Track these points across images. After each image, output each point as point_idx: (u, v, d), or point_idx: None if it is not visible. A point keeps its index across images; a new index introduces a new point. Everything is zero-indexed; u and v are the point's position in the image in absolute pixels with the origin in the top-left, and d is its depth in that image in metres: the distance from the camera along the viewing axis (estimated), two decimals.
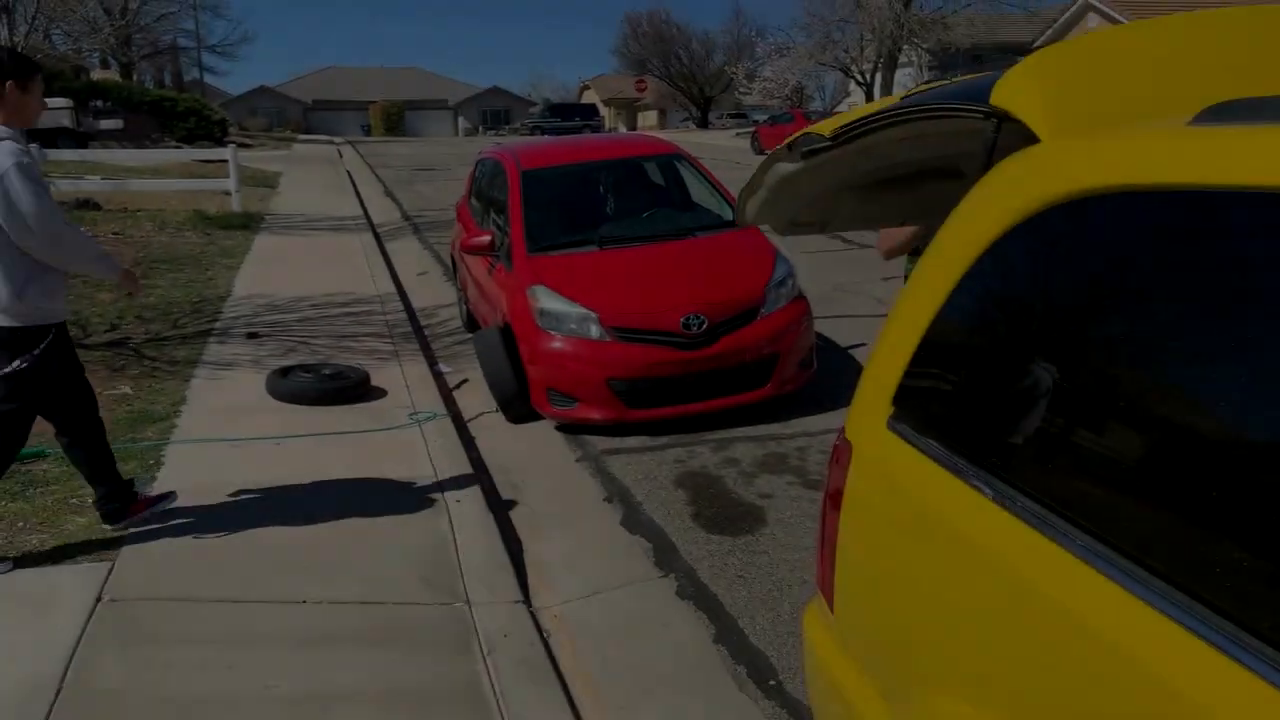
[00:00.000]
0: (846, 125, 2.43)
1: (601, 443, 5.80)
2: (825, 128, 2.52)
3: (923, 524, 1.85)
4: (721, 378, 5.86)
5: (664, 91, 64.19)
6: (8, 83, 3.78)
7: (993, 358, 1.80)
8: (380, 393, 6.62)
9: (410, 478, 5.15)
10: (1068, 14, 38.24)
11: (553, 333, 5.86)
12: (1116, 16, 35.95)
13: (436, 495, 4.93)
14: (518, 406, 6.18)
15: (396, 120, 72.76)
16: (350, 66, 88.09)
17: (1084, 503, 1.54)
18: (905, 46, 40.10)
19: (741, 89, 49.10)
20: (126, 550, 4.21)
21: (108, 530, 4.35)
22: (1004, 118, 1.95)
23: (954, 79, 2.49)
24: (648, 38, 59.70)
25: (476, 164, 8.55)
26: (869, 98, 44.79)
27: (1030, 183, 1.75)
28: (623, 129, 75.64)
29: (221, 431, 5.67)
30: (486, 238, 6.68)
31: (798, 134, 2.67)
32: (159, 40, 50.28)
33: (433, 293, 10.74)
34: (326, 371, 6.54)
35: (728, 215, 6.90)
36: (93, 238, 3.91)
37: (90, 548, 4.21)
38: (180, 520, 4.53)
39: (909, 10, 39.20)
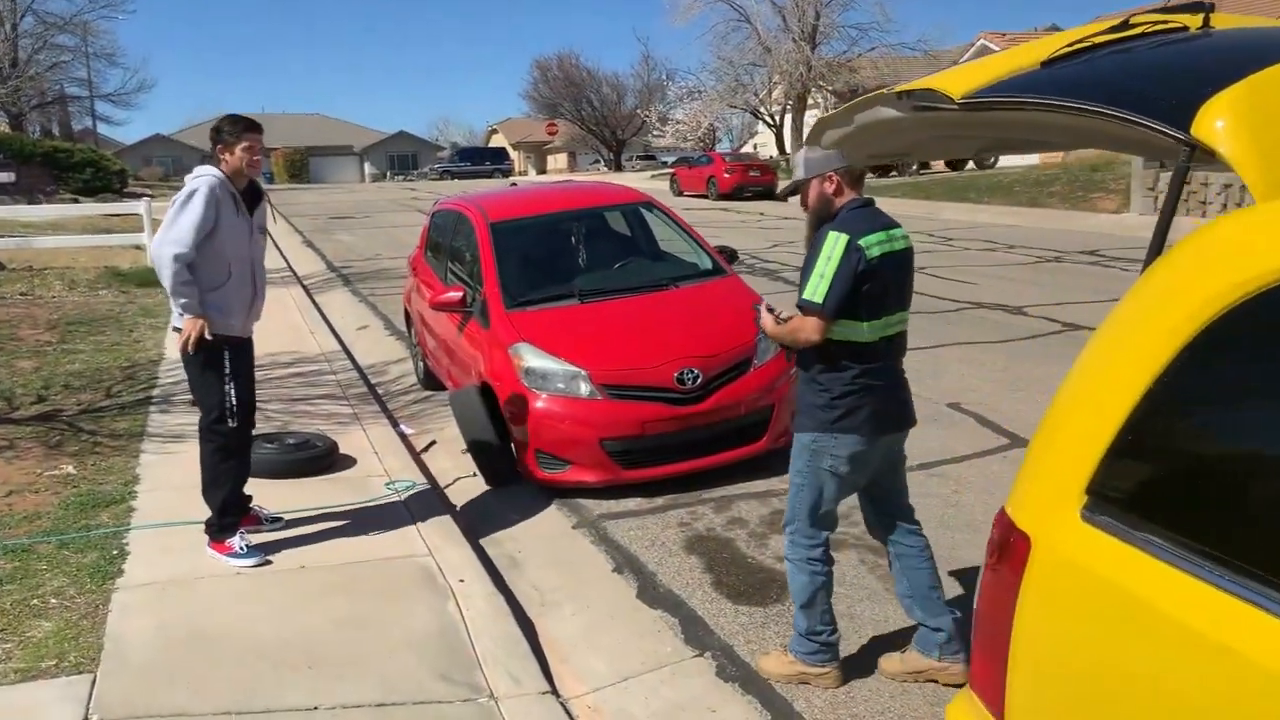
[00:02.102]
0: (983, 98, 2.21)
1: (596, 506, 5.52)
2: (952, 88, 2.25)
3: (1149, 627, 1.65)
4: (717, 433, 5.65)
5: (574, 134, 64.31)
6: (217, 146, 4.56)
7: (1239, 444, 1.62)
8: (349, 461, 6.23)
9: (403, 554, 4.80)
10: (966, 56, 39.58)
11: (540, 392, 5.58)
12: None
13: (435, 573, 4.59)
14: (501, 470, 5.87)
15: (300, 167, 71.56)
16: (250, 113, 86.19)
17: None
18: (813, 89, 40.94)
19: (655, 132, 49.41)
20: (106, 659, 3.77)
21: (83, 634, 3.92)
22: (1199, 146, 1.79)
23: (1101, 38, 2.21)
24: (558, 82, 59.74)
25: (431, 216, 8.23)
26: (778, 138, 45.62)
27: (1269, 251, 1.58)
28: (532, 173, 75.62)
29: (186, 513, 5.21)
30: (457, 294, 6.37)
31: (915, 86, 2.43)
32: (48, 90, 48.41)
33: (377, 348, 10.33)
34: (291, 441, 6.12)
35: (706, 264, 6.73)
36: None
37: (64, 657, 3.76)
38: (160, 619, 4.10)
39: (815, 53, 40.09)
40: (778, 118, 45.39)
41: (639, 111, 54.52)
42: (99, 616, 4.10)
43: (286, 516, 5.23)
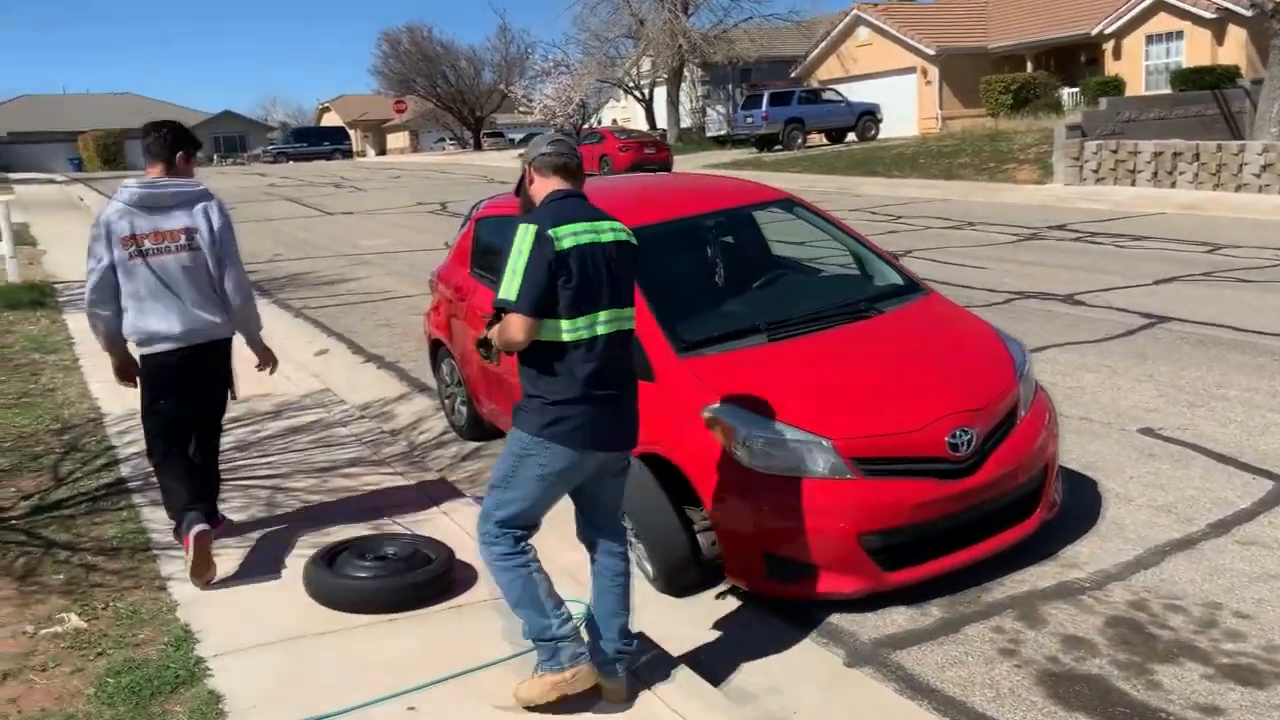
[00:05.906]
0: None
1: (857, 626, 4.08)
2: None
3: None
4: (987, 512, 4.30)
5: (422, 111, 61.00)
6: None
7: None
8: (468, 571, 4.55)
9: None
10: (839, 27, 39.29)
11: (764, 471, 4.08)
12: (886, 28, 37.35)
13: None
14: (685, 572, 4.37)
15: (115, 152, 65.28)
16: (51, 95, 79.16)
17: None
18: (688, 61, 39.85)
19: (522, 108, 47.16)
20: None
21: None
22: None
23: None
24: (410, 56, 56.28)
25: (477, 222, 6.46)
26: (649, 112, 44.37)
27: None
28: (371, 153, 71.77)
29: (301, 696, 3.48)
30: None
31: None
32: None
33: (360, 381, 8.48)
34: (393, 552, 4.39)
35: (894, 278, 5.29)
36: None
37: None
38: None
39: (688, 21, 39.02)
40: (647, 91, 44.09)
41: (500, 86, 52.03)
42: None
43: (427, 680, 3.57)
